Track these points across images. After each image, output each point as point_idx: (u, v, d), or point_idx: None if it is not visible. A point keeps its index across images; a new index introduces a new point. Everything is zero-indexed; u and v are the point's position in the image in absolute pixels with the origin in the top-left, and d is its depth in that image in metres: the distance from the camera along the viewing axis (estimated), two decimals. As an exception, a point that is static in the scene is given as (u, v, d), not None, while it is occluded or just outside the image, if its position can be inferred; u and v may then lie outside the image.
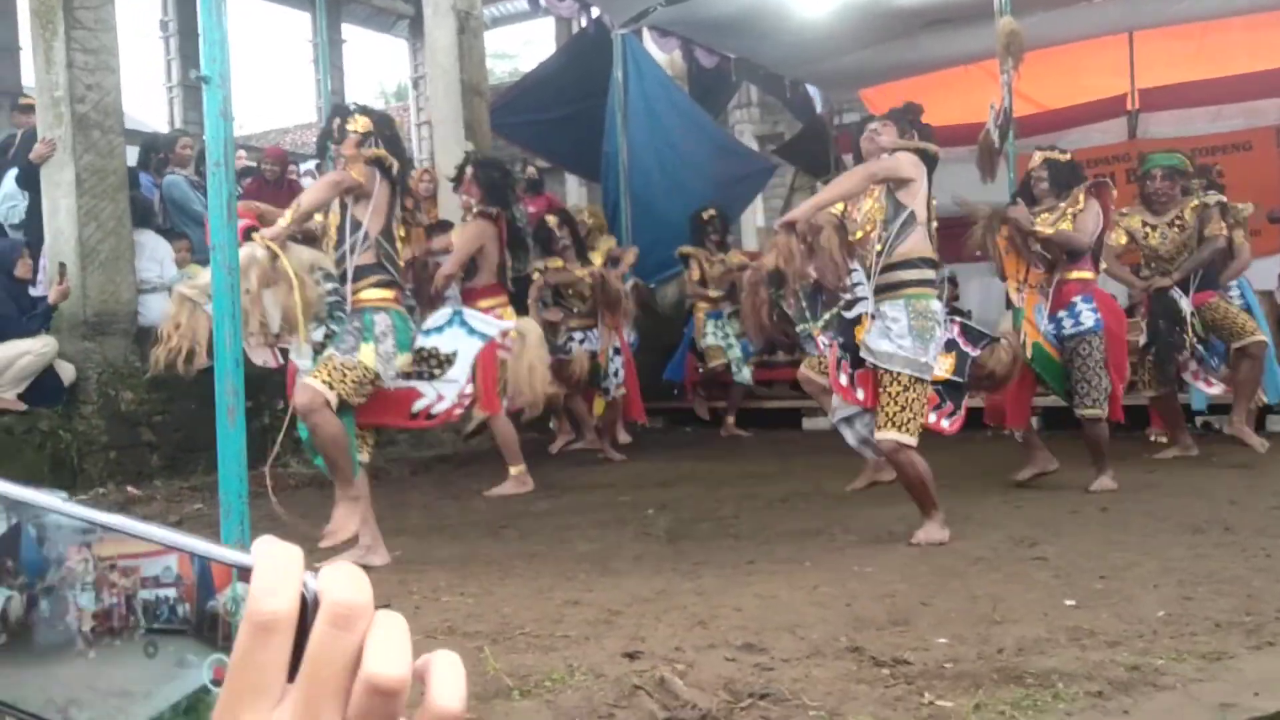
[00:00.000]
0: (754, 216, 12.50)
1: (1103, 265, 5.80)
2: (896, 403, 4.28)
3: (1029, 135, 8.12)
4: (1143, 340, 6.14)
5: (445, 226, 7.74)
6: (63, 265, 6.07)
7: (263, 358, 4.31)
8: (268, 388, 6.51)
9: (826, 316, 5.02)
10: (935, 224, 4.47)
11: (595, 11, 9.13)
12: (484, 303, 5.93)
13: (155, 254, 6.98)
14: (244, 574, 0.40)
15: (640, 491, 6.06)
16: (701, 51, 9.51)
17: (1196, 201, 6.06)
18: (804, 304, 5.21)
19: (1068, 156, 5.60)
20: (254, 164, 9.18)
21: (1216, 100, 8.90)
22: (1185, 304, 6.08)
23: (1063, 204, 5.43)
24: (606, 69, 9.01)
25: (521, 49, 20.78)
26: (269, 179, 8.27)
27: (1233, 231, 6.36)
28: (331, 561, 0.42)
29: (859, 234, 4.52)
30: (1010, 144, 6.70)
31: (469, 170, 6.22)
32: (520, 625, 3.35)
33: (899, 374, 4.27)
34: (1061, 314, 5.40)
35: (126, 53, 6.60)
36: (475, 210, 6.13)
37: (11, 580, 0.40)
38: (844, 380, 4.49)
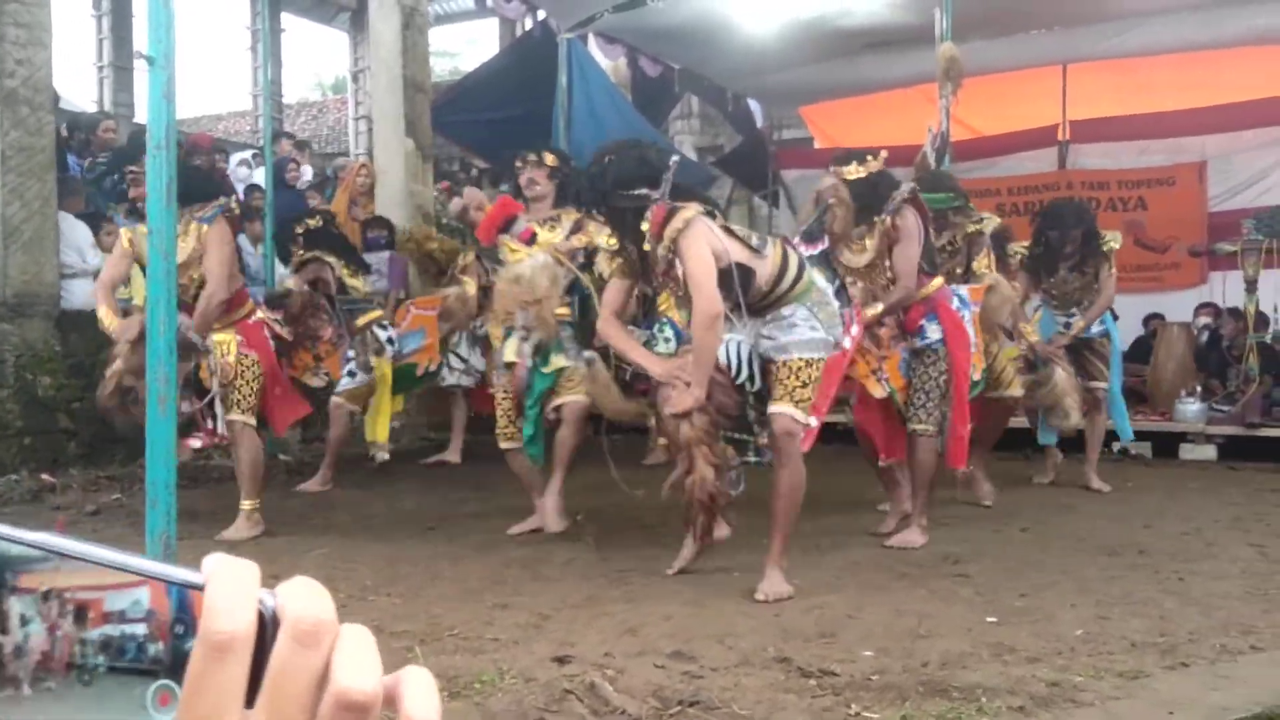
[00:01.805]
0: (691, 227, 12.57)
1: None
2: (798, 377, 3.87)
3: (964, 160, 8.31)
4: None
5: (382, 222, 7.67)
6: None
7: (514, 351, 4.99)
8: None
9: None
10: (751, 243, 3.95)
11: (541, 14, 9.11)
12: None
13: (72, 239, 6.77)
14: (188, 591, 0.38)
15: (569, 498, 6.03)
16: (646, 60, 9.55)
17: (971, 228, 5.48)
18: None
19: (864, 170, 4.71)
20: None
21: (1143, 135, 9.17)
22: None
23: (869, 240, 4.77)
24: (550, 72, 8.99)
25: (464, 48, 20.63)
26: (201, 168, 8.09)
27: (1099, 266, 6.02)
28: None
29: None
30: (946, 167, 6.83)
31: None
32: (449, 627, 3.32)
33: (803, 358, 3.89)
34: (912, 336, 4.87)
35: (57, 31, 6.42)
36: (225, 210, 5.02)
37: None
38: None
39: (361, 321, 6.40)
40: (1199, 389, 7.74)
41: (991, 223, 5.61)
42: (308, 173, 9.47)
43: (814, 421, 4.08)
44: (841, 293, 4.35)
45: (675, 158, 3.99)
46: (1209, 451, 7.42)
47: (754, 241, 3.95)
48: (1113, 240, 6.09)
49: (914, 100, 8.66)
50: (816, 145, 11.11)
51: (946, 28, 6.92)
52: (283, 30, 13.94)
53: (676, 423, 3.76)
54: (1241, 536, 4.82)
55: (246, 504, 4.92)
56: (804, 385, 3.88)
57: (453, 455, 7.32)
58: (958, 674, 2.81)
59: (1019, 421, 6.38)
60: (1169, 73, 8.87)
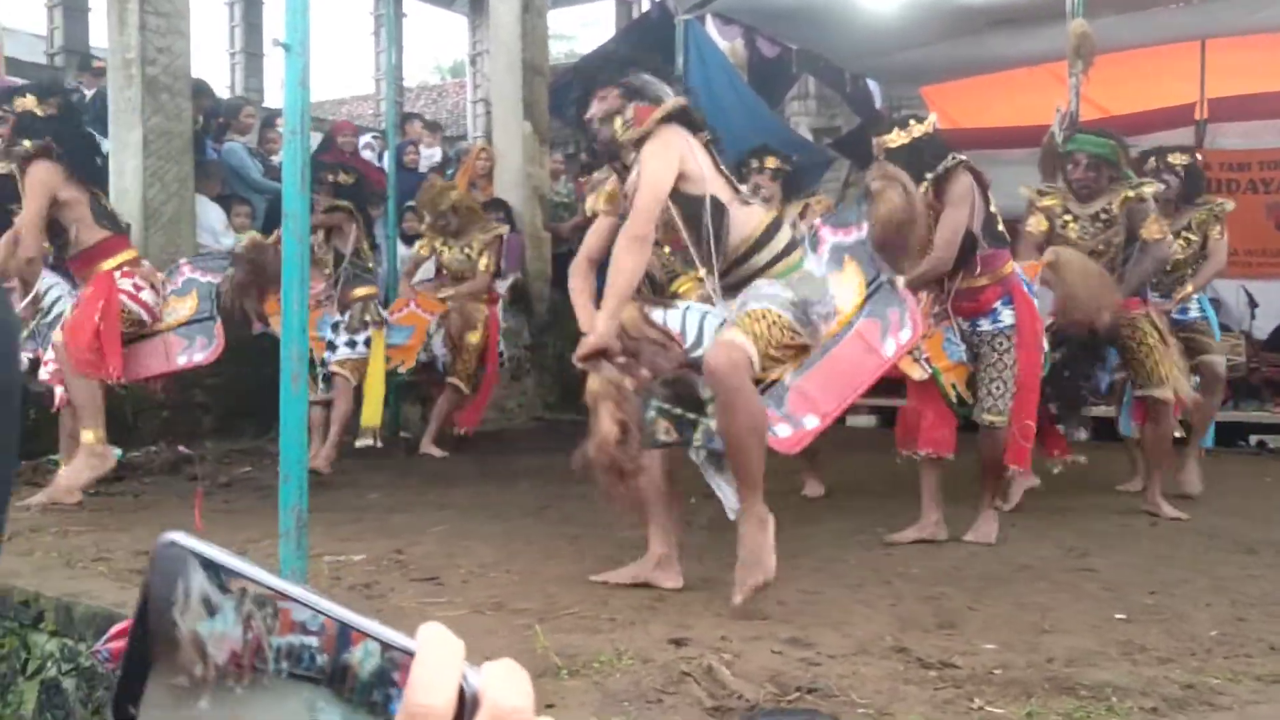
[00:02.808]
0: (805, 210, 12.44)
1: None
2: (751, 316, 3.26)
3: (1094, 141, 8.01)
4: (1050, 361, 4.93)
5: (500, 205, 7.78)
6: (126, 225, 6.15)
7: None
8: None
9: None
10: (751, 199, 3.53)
11: (659, -4, 9.11)
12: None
13: (206, 221, 7.05)
14: (387, 648, 0.40)
15: (681, 482, 6.05)
16: (763, 41, 9.45)
17: (1128, 193, 4.93)
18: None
19: (908, 136, 4.39)
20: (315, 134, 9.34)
21: (1288, 114, 8.72)
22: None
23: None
24: (668, 55, 8.96)
25: (580, 31, 20.78)
26: (346, 150, 8.42)
27: (1209, 230, 5.50)
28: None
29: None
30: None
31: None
32: (566, 606, 3.36)
33: (769, 310, 3.27)
34: (980, 319, 4.48)
35: (193, 19, 6.67)
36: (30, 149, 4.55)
37: (180, 608, 0.40)
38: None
39: (358, 293, 6.12)
40: (1345, 381, 7.35)
41: (1151, 187, 5.02)
42: (436, 154, 9.67)
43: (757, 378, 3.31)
44: (885, 290, 3.75)
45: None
46: (1355, 447, 7.06)
47: (742, 190, 3.47)
48: (1224, 205, 5.56)
49: (1041, 79, 8.40)
50: (938, 127, 10.86)
51: (1078, 3, 6.68)
52: (404, 15, 14.22)
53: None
54: (1391, 537, 4.57)
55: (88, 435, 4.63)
56: (757, 320, 3.22)
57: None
58: (1085, 672, 2.73)
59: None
60: (1319, 47, 8.40)
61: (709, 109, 9.06)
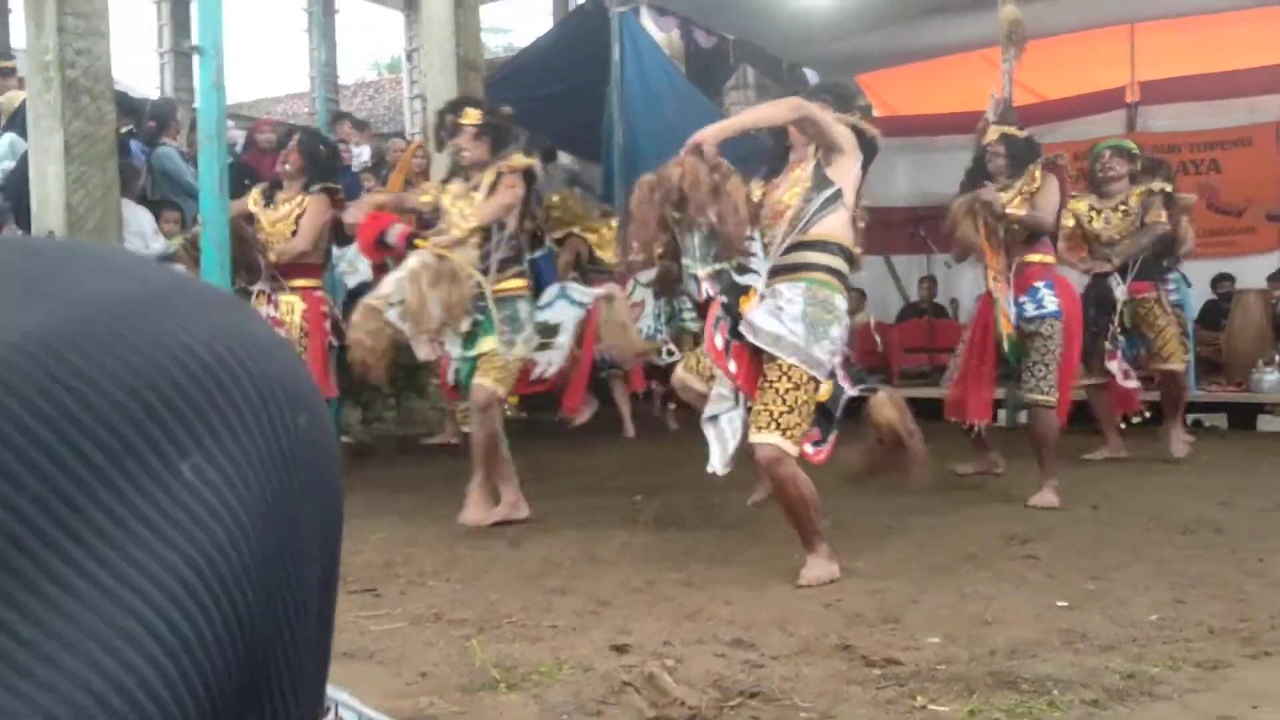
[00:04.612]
0: (748, 199, 12.44)
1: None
2: (784, 401, 3.60)
3: (1028, 125, 8.07)
4: None
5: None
6: (51, 233, 5.97)
7: (426, 352, 4.94)
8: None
9: (718, 267, 3.86)
10: (862, 224, 3.92)
11: (594, -12, 9.03)
12: (300, 280, 5.17)
13: (134, 225, 6.85)
14: None
15: (627, 477, 6.01)
16: (700, 32, 9.41)
17: (1142, 188, 6.04)
18: (696, 242, 3.88)
19: (1025, 133, 5.46)
20: (242, 133, 9.10)
21: (1217, 95, 8.86)
22: (1119, 291, 6.01)
23: (1018, 183, 5.17)
24: (604, 47, 8.90)
25: (518, 24, 20.62)
26: (265, 148, 8.19)
27: (1180, 215, 6.45)
28: None
29: (773, 213, 3.86)
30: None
31: (294, 139, 5.34)
32: (507, 614, 3.30)
33: (789, 368, 3.60)
34: (1023, 299, 5.10)
35: (118, 18, 6.47)
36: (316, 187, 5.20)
37: None
38: (719, 342, 3.78)
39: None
40: (1277, 359, 7.49)
41: (1160, 185, 6.07)
42: (365, 153, 9.49)
43: (808, 450, 3.74)
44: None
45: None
46: (1288, 423, 7.20)
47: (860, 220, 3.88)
48: (1188, 199, 6.61)
49: (976, 65, 8.46)
50: (875, 114, 10.88)
51: (1009, -11, 6.72)
52: (337, 11, 14.00)
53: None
54: (1324, 513, 4.65)
55: None
56: (790, 411, 3.58)
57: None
58: (1027, 664, 2.73)
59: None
60: (1244, 29, 8.56)
61: (644, 101, 9.06)
